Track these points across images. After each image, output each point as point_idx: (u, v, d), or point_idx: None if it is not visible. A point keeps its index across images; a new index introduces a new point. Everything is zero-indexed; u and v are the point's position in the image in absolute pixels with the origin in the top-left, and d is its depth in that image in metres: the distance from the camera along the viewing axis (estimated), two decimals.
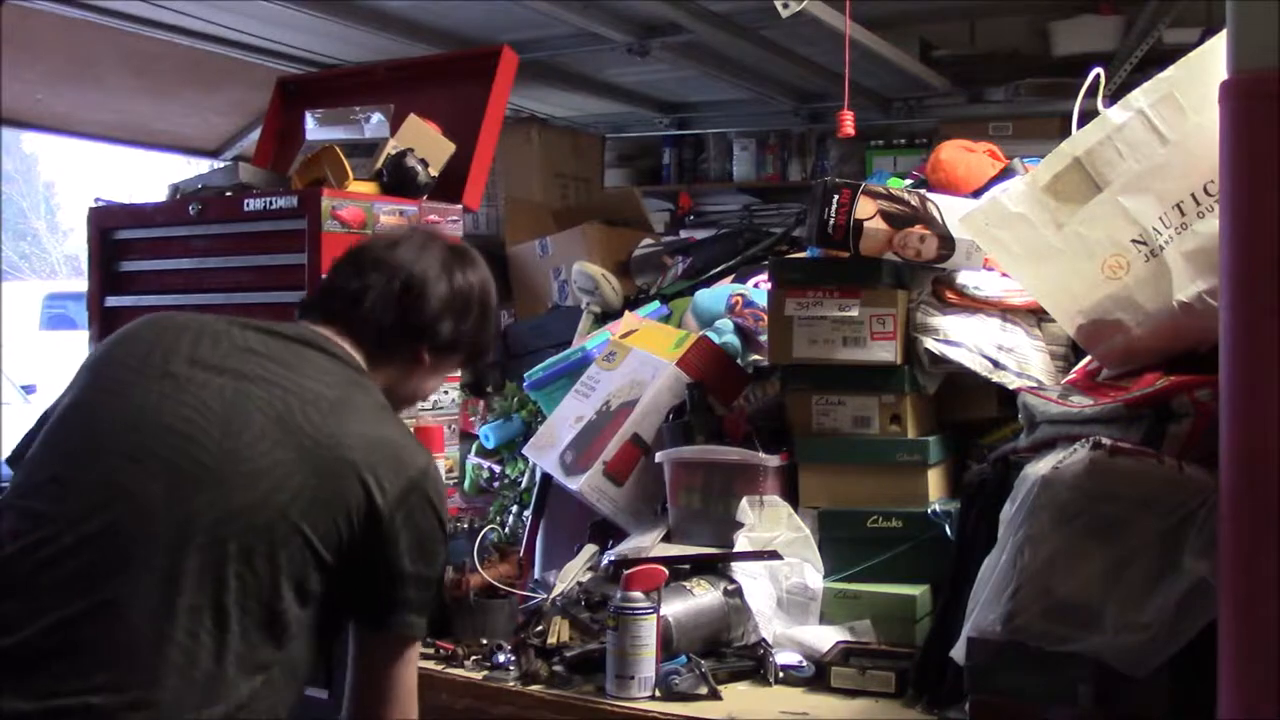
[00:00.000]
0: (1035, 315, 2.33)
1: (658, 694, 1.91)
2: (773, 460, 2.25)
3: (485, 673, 2.07)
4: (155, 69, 3.76)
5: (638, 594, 1.92)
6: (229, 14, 3.39)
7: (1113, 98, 1.94)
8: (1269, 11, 1.29)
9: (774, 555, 2.13)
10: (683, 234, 4.78)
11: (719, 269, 3.30)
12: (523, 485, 2.84)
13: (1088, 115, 1.93)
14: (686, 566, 2.16)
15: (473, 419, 3.14)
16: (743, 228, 4.54)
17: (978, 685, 1.69)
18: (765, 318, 2.49)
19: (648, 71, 4.13)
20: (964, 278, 2.27)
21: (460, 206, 3.05)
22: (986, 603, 1.67)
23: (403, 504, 1.52)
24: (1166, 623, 1.55)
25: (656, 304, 3.16)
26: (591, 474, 2.42)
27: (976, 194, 2.42)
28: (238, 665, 1.42)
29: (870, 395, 2.25)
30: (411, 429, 2.61)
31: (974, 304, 2.27)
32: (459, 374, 2.98)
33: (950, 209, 2.25)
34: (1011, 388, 2.18)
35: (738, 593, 2.10)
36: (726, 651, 2.06)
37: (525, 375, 2.91)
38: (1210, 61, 1.73)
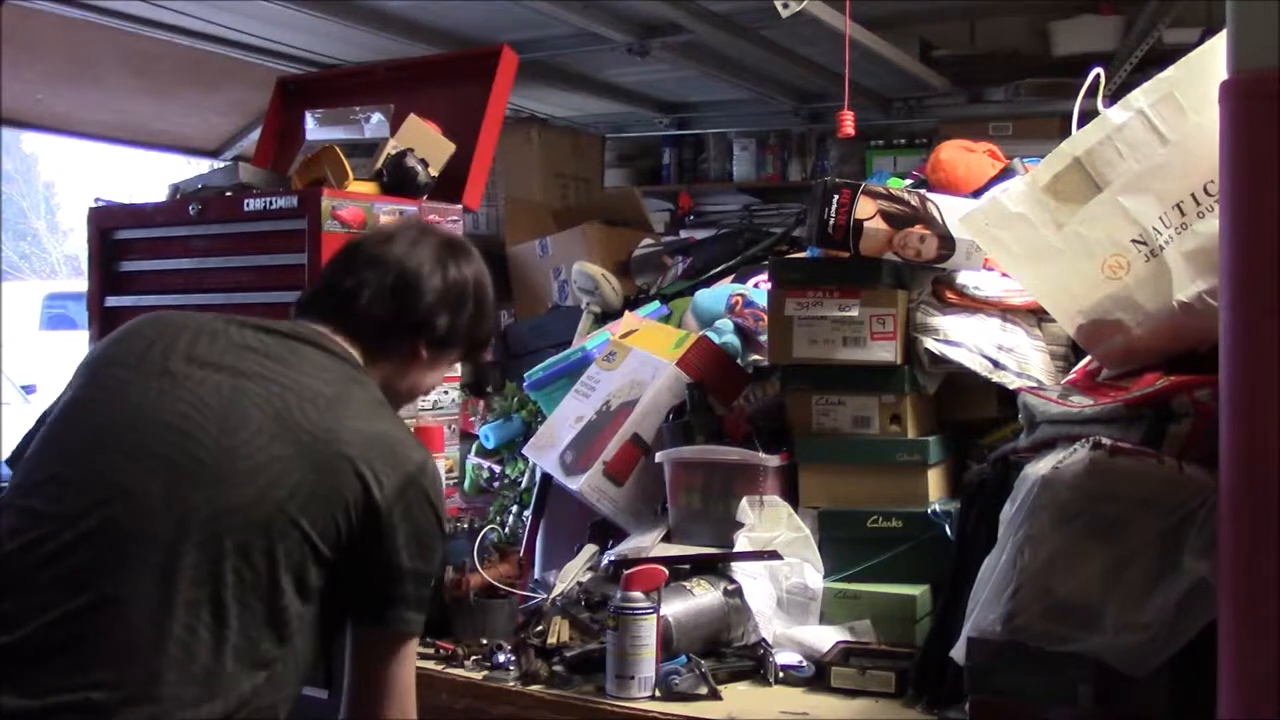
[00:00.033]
0: (1035, 315, 2.33)
1: (658, 694, 1.91)
2: (773, 460, 2.25)
3: (485, 673, 2.07)
4: (155, 69, 3.76)
5: (638, 594, 1.92)
6: (229, 14, 3.39)
7: (1113, 98, 1.94)
8: (1269, 11, 1.29)
9: (774, 555, 2.13)
10: (683, 234, 4.78)
11: (719, 269, 3.30)
12: (523, 485, 2.84)
13: (1088, 115, 1.94)
14: (686, 566, 2.16)
15: (473, 419, 3.14)
16: (743, 228, 4.54)
17: (978, 685, 1.69)
18: (765, 318, 2.49)
19: (648, 71, 4.13)
20: (964, 278, 2.27)
21: (460, 206, 3.05)
22: (986, 603, 1.68)
23: (400, 499, 1.52)
24: (1166, 623, 1.55)
25: (656, 304, 3.16)
26: (591, 474, 2.42)
27: (976, 194, 2.42)
28: (239, 660, 1.42)
29: (870, 395, 2.25)
30: (411, 429, 2.62)
31: (974, 304, 2.27)
32: (459, 373, 2.98)
33: (950, 209, 2.25)
34: (1011, 388, 2.18)
35: (738, 593, 2.10)
36: (726, 651, 2.06)
37: (525, 375, 2.91)
38: (1210, 61, 1.73)
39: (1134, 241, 1.86)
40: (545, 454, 2.56)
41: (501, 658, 2.08)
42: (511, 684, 2.02)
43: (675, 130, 5.21)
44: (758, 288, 2.90)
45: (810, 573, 2.16)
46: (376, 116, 3.14)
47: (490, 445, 3.00)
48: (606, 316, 3.23)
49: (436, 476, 1.60)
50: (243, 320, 1.62)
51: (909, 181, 2.66)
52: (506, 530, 2.70)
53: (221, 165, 3.90)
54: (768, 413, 2.40)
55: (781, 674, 2.01)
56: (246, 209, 2.86)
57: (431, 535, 1.57)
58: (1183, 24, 3.51)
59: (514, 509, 2.81)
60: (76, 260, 18.23)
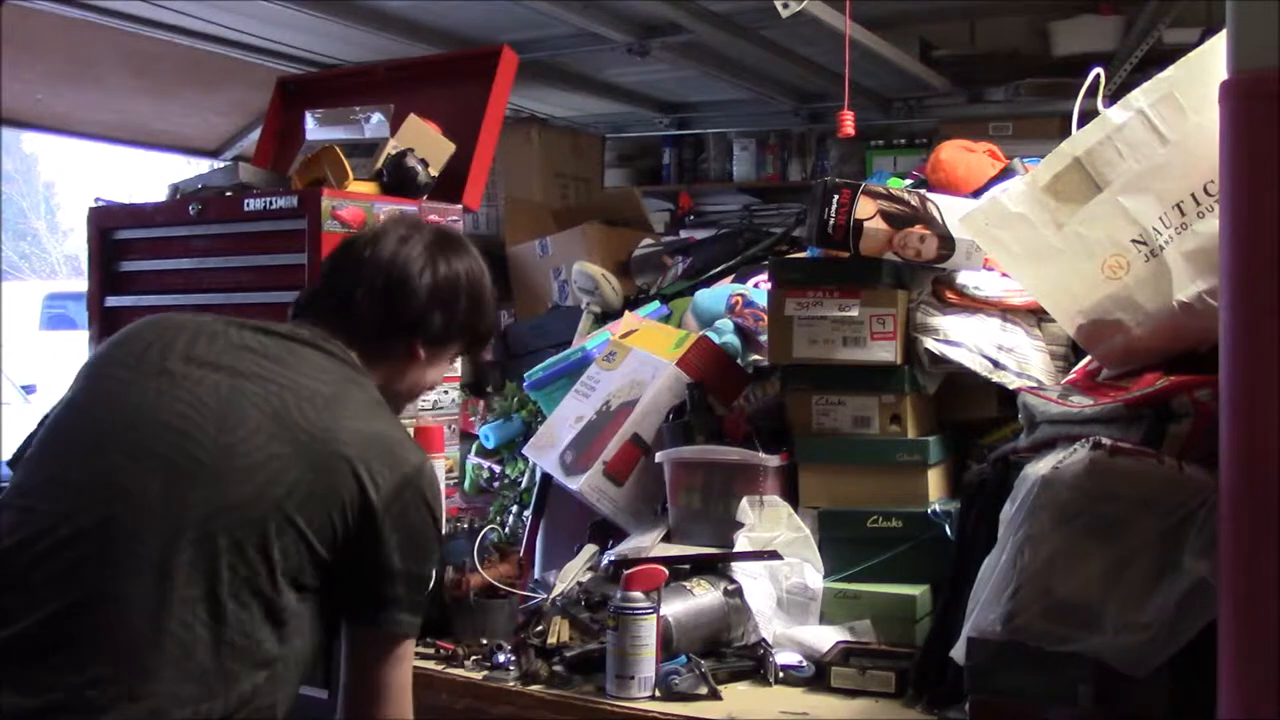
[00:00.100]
0: (1035, 315, 2.33)
1: (658, 694, 1.91)
2: (773, 460, 2.25)
3: (485, 673, 2.07)
4: (155, 69, 3.76)
5: (638, 594, 1.92)
6: (229, 14, 3.39)
7: (1113, 98, 1.94)
8: (1269, 11, 1.29)
9: (774, 555, 2.13)
10: (683, 234, 4.78)
11: (719, 269, 3.30)
12: (523, 485, 2.84)
13: (1088, 115, 1.93)
14: (686, 566, 2.16)
15: (473, 419, 3.14)
16: (743, 228, 4.54)
17: (978, 685, 1.69)
18: (765, 318, 2.49)
19: (648, 71, 4.13)
20: (964, 278, 2.27)
21: (460, 206, 3.05)
22: (986, 603, 1.67)
23: (397, 499, 1.52)
24: (1166, 623, 1.55)
25: (656, 304, 3.15)
26: (591, 474, 2.42)
27: (976, 194, 2.42)
28: (237, 660, 1.42)
29: (870, 395, 2.24)
30: (411, 429, 2.62)
31: (974, 304, 2.27)
32: (459, 373, 2.98)
33: (950, 209, 2.25)
34: (1011, 388, 2.18)
35: (738, 593, 2.10)
36: (726, 651, 2.06)
37: (525, 375, 2.91)
38: (1210, 61, 1.73)
39: (1134, 241, 1.86)
40: (545, 454, 2.56)
41: (501, 658, 2.08)
42: (511, 684, 2.02)
43: (675, 130, 5.21)
44: (758, 288, 2.90)
45: (810, 573, 2.16)
46: (376, 116, 3.15)
47: (490, 445, 3.00)
48: (606, 316, 3.23)
49: (434, 478, 1.60)
50: (241, 321, 1.62)
51: (909, 181, 2.66)
52: (506, 530, 2.69)
53: (221, 165, 3.90)
54: (768, 413, 2.40)
55: (781, 674, 2.00)
56: (246, 209, 2.86)
57: (427, 537, 1.57)
58: (1183, 24, 3.51)
59: (514, 509, 2.81)
60: (76, 260, 18.23)
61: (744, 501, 2.22)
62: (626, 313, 3.07)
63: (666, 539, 2.34)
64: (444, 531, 1.96)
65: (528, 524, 2.65)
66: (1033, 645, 1.62)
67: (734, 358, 2.69)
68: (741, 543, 2.18)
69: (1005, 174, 2.49)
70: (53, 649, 1.38)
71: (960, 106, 4.40)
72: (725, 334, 2.77)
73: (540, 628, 2.11)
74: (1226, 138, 1.33)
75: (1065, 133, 2.00)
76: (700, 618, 2.06)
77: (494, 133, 3.20)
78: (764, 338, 2.56)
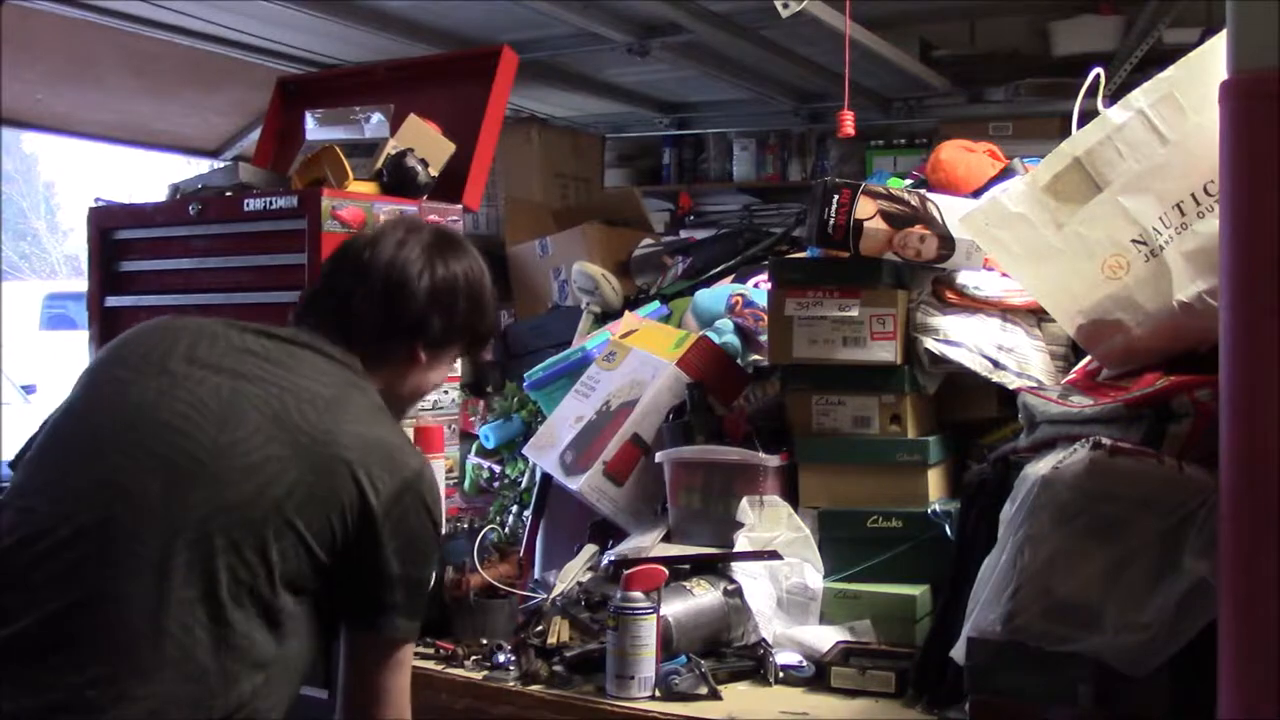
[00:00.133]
0: (1035, 315, 2.33)
1: (658, 694, 1.91)
2: (773, 460, 2.25)
3: (485, 673, 2.07)
4: (155, 69, 3.76)
5: (638, 594, 1.92)
6: (229, 14, 3.39)
7: (1113, 98, 1.94)
8: (1269, 11, 1.29)
9: (774, 555, 2.13)
10: (683, 234, 4.78)
11: (719, 269, 3.29)
12: (523, 485, 2.84)
13: (1088, 115, 1.93)
14: (686, 566, 2.16)
15: (473, 419, 3.14)
16: (743, 228, 4.54)
17: (978, 685, 1.69)
18: (765, 318, 2.49)
19: (648, 71, 4.13)
20: (964, 278, 2.27)
21: (460, 206, 3.06)
22: (986, 603, 1.67)
23: (396, 504, 1.52)
24: (1166, 623, 1.55)
25: (656, 304, 3.15)
26: (591, 474, 2.42)
27: (976, 194, 2.42)
28: (237, 661, 1.42)
29: (870, 395, 2.24)
30: (411, 429, 2.62)
31: (974, 304, 2.27)
32: (459, 373, 2.98)
33: (950, 209, 2.25)
34: (1011, 388, 2.18)
35: (738, 593, 2.10)
36: (726, 651, 2.06)
37: (525, 375, 2.91)
38: (1210, 61, 1.73)
39: (1134, 241, 1.86)
40: (545, 454, 2.56)
41: (501, 658, 2.08)
42: (511, 684, 2.02)
43: (675, 130, 5.21)
44: (758, 288, 2.90)
45: (810, 573, 2.16)
46: (376, 116, 3.15)
47: (490, 445, 3.00)
48: (606, 316, 3.23)
49: (434, 484, 1.60)
50: (243, 325, 1.62)
51: (909, 181, 2.66)
52: (506, 530, 2.69)
53: (221, 165, 3.90)
54: (768, 413, 2.40)
55: (781, 674, 2.01)
56: (246, 209, 2.86)
57: (427, 543, 1.57)
58: (1183, 24, 3.51)
59: (514, 509, 2.81)
60: (76, 260, 18.23)
61: (744, 501, 2.22)
62: (626, 313, 3.07)
63: (666, 539, 2.34)
64: (444, 531, 1.96)
65: (528, 524, 2.65)
66: (1033, 645, 1.62)
67: (734, 358, 2.69)
68: (741, 543, 2.18)
69: (1005, 174, 2.49)
70: (52, 649, 1.38)
71: (960, 106, 4.40)
72: (725, 334, 2.77)
73: (540, 628, 2.11)
74: (1226, 138, 1.33)
75: (1065, 133, 2.00)
76: (700, 618, 2.06)
77: (494, 133, 3.20)
78: (764, 338, 2.56)
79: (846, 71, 3.02)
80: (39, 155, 20.62)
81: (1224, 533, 1.35)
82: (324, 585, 1.50)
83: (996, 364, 2.23)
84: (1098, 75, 2.04)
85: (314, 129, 3.26)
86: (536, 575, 2.46)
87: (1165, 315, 1.85)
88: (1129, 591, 1.58)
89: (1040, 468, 1.69)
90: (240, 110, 4.16)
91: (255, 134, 3.83)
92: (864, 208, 2.21)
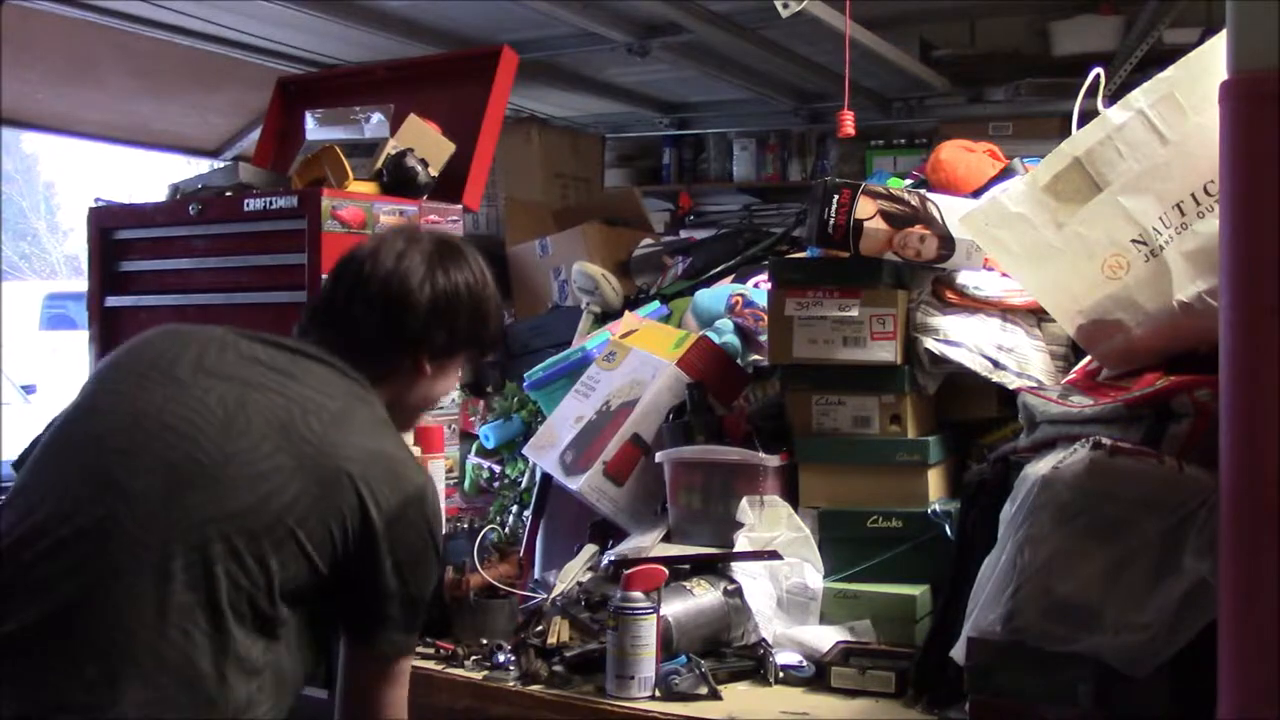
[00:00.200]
0: (1035, 315, 2.33)
1: (658, 694, 1.91)
2: (773, 460, 2.24)
3: (485, 673, 2.07)
4: (155, 69, 3.76)
5: (638, 594, 1.92)
6: (229, 14, 3.40)
7: (1113, 98, 1.93)
8: (1269, 11, 1.29)
9: (774, 555, 2.13)
10: (683, 234, 4.78)
11: (719, 269, 3.29)
12: (523, 485, 2.84)
13: (1088, 115, 1.93)
14: (686, 566, 2.16)
15: (473, 419, 3.14)
16: (743, 228, 4.54)
17: (978, 685, 1.69)
18: (765, 318, 2.49)
19: (648, 71, 4.13)
20: (964, 278, 2.27)
21: (460, 206, 3.06)
22: (986, 603, 1.67)
23: (398, 520, 1.52)
24: (1166, 623, 1.55)
25: (656, 304, 3.15)
26: (591, 474, 2.42)
27: (976, 194, 2.42)
28: (235, 668, 1.42)
29: (870, 395, 2.24)
30: (412, 439, 2.62)
31: (974, 304, 2.27)
32: (459, 374, 2.98)
33: (950, 209, 2.25)
34: (1011, 388, 2.18)
35: (738, 593, 2.10)
36: (726, 651, 2.06)
37: (525, 375, 2.91)
38: (1210, 61, 1.73)
39: (1134, 241, 1.86)
40: (545, 454, 2.56)
41: (501, 658, 2.08)
42: (511, 684, 2.02)
43: (675, 130, 5.21)
44: (758, 288, 2.90)
45: (810, 573, 2.16)
46: (376, 116, 3.15)
47: (490, 445, 3.00)
48: (606, 316, 3.23)
49: (436, 502, 1.60)
50: (251, 334, 1.62)
51: (909, 181, 2.66)
52: (506, 530, 2.69)
53: (221, 165, 3.90)
54: (768, 413, 2.39)
55: (781, 674, 2.00)
56: (246, 209, 2.86)
57: (427, 560, 1.57)
58: (1183, 24, 3.51)
59: (514, 509, 2.81)
60: (76, 260, 18.23)
61: (744, 501, 2.22)
62: (626, 313, 3.07)
63: (666, 539, 2.34)
64: (444, 532, 1.96)
65: (528, 524, 2.65)
66: (1033, 645, 1.62)
67: (734, 358, 2.69)
68: (741, 543, 2.18)
69: (1005, 174, 2.49)
70: (51, 648, 1.38)
71: (960, 106, 4.40)
72: (725, 334, 2.76)
73: (540, 628, 2.11)
74: (1226, 138, 1.33)
75: (1065, 133, 2.00)
76: (700, 618, 2.06)
77: (494, 133, 3.20)
78: (764, 338, 2.56)
79: (846, 71, 3.02)
80: (39, 155, 20.65)
81: (1224, 533, 1.35)
82: (322, 596, 1.50)
83: (996, 364, 2.23)
84: (1098, 75, 2.04)
85: (314, 129, 3.27)
86: (536, 575, 2.46)
87: (1165, 315, 1.85)
88: (1129, 591, 1.58)
89: (1040, 468, 1.69)
90: (240, 110, 4.16)
91: (255, 134, 3.83)
92: (864, 208, 2.21)
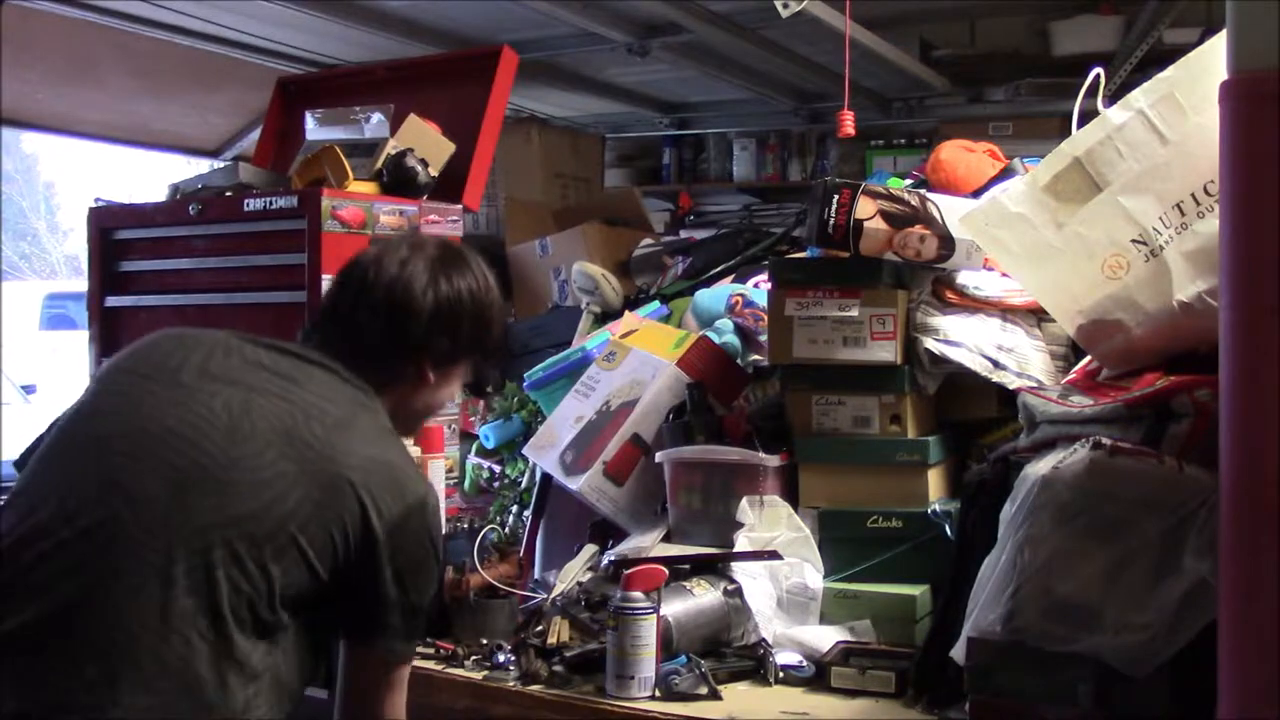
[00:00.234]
0: (1035, 315, 2.33)
1: (658, 694, 1.91)
2: (773, 460, 2.24)
3: (485, 673, 2.07)
4: (155, 69, 3.76)
5: (638, 594, 1.92)
6: (229, 14, 3.40)
7: (1113, 98, 1.93)
8: (1269, 11, 1.29)
9: (774, 555, 2.13)
10: (683, 234, 4.78)
11: (719, 269, 3.29)
12: (523, 485, 2.84)
13: (1088, 115, 1.93)
14: (686, 566, 2.16)
15: (473, 419, 3.14)
16: (743, 228, 4.55)
17: (978, 685, 1.69)
18: (765, 318, 2.49)
19: (648, 71, 4.13)
20: (964, 278, 2.27)
21: (460, 206, 3.06)
22: (986, 603, 1.67)
23: (399, 530, 1.52)
24: (1166, 623, 1.55)
25: (656, 304, 3.15)
26: (591, 474, 2.42)
27: (976, 194, 2.42)
28: (234, 673, 1.42)
29: (870, 395, 2.24)
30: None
31: (974, 304, 2.27)
32: None
33: (950, 209, 2.25)
34: (1011, 388, 2.18)
35: (738, 593, 2.10)
36: (726, 651, 2.06)
37: (525, 375, 2.91)
38: (1210, 61, 1.73)
39: (1134, 241, 1.86)
40: (545, 454, 2.56)
41: (501, 658, 2.08)
42: (511, 684, 2.02)
43: (675, 130, 5.21)
44: (758, 288, 2.90)
45: (810, 573, 2.16)
46: (376, 116, 3.15)
47: (490, 445, 3.00)
48: (606, 316, 3.23)
49: (437, 512, 1.61)
50: (255, 339, 1.62)
51: (909, 181, 2.66)
52: (506, 530, 2.69)
53: (221, 165, 3.91)
54: (768, 413, 2.39)
55: (781, 674, 2.00)
56: (246, 209, 2.86)
57: (427, 569, 1.58)
58: (1183, 24, 3.52)
59: (514, 509, 2.81)
60: (76, 260, 18.23)
61: (744, 501, 2.22)
62: (626, 313, 3.07)
63: (666, 539, 2.34)
64: (444, 533, 1.96)
65: (528, 524, 2.65)
66: (1033, 645, 1.62)
67: (734, 358, 2.69)
68: (741, 543, 2.18)
69: (1005, 174, 2.49)
70: (51, 648, 1.38)
71: (960, 106, 4.40)
72: (725, 334, 2.76)
73: (540, 628, 2.11)
74: (1226, 138, 1.33)
75: (1065, 133, 2.00)
76: (700, 618, 2.06)
77: (494, 133, 3.20)
78: (764, 338, 2.56)
79: (846, 71, 3.02)
80: (39, 155, 20.65)
81: (1224, 533, 1.35)
82: (322, 603, 1.50)
83: (996, 364, 2.23)
84: (1098, 75, 2.04)
85: (314, 129, 3.27)
86: (536, 575, 2.45)
87: (1165, 315, 1.85)
88: (1129, 591, 1.58)
89: (1040, 468, 1.69)
90: (240, 110, 4.16)
91: (255, 134, 3.83)
92: (864, 208, 2.21)
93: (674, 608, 2.02)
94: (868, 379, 2.24)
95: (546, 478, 2.62)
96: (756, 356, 2.73)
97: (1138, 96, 1.85)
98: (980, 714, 1.70)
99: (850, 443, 2.25)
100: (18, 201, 19.88)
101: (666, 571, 1.99)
